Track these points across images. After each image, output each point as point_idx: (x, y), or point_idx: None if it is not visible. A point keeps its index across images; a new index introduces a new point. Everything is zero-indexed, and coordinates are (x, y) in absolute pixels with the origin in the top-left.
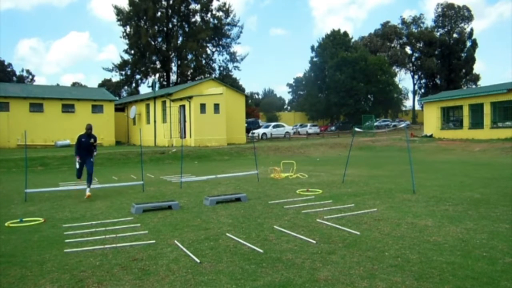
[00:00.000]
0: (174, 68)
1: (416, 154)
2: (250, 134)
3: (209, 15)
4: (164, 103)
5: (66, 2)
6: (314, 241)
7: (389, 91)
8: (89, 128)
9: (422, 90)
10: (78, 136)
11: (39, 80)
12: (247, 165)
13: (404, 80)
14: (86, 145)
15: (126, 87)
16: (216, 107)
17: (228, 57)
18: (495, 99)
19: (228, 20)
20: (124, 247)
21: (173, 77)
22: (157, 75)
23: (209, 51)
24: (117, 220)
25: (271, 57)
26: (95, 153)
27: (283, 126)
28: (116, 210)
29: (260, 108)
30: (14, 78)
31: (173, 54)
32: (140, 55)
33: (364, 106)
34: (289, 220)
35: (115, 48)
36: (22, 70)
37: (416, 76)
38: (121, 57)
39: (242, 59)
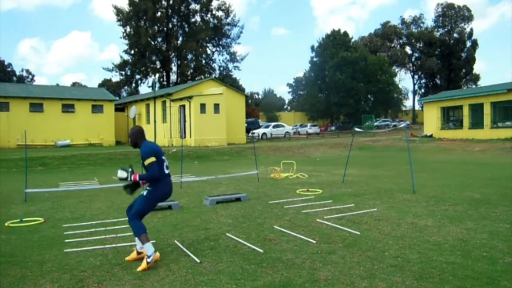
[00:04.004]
0: (174, 68)
1: (416, 154)
2: (250, 134)
3: (209, 15)
4: (164, 103)
5: (68, 2)
6: (314, 241)
7: (389, 91)
8: None
9: (422, 90)
10: None
11: (39, 80)
12: (247, 165)
13: (404, 80)
14: None
15: (126, 87)
16: (216, 107)
17: (228, 57)
18: (495, 99)
19: (228, 20)
20: (124, 247)
21: (173, 77)
22: (157, 75)
23: (209, 51)
24: (117, 220)
25: (271, 57)
26: None
27: (283, 126)
28: (116, 210)
29: (260, 108)
30: (14, 78)
31: (173, 54)
32: (140, 55)
33: (364, 106)
34: (289, 220)
35: (116, 48)
36: (22, 70)
37: (416, 76)
38: (121, 57)
39: (242, 59)
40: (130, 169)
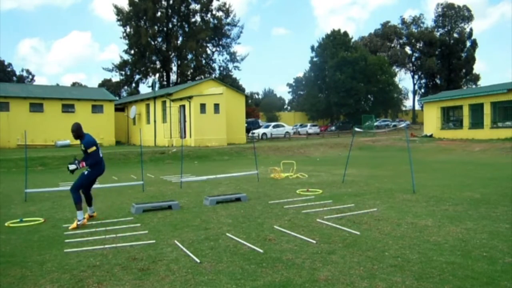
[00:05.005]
0: (174, 68)
1: (416, 154)
2: (250, 134)
3: (209, 15)
4: (164, 103)
5: (68, 2)
6: (314, 241)
7: (389, 91)
8: None
9: (422, 90)
10: None
11: (40, 80)
12: (247, 165)
13: (404, 80)
14: None
15: (126, 87)
16: (216, 107)
17: (228, 57)
18: (495, 99)
19: (228, 20)
20: (124, 247)
21: (173, 77)
22: (157, 75)
23: (209, 51)
24: (117, 220)
25: (271, 57)
26: None
27: (283, 126)
28: (116, 210)
29: (260, 108)
30: (14, 78)
31: (173, 54)
32: (140, 55)
33: (364, 106)
34: (289, 220)
35: (116, 48)
36: (22, 70)
37: (416, 76)
38: (121, 57)
39: (242, 59)
40: (76, 160)
